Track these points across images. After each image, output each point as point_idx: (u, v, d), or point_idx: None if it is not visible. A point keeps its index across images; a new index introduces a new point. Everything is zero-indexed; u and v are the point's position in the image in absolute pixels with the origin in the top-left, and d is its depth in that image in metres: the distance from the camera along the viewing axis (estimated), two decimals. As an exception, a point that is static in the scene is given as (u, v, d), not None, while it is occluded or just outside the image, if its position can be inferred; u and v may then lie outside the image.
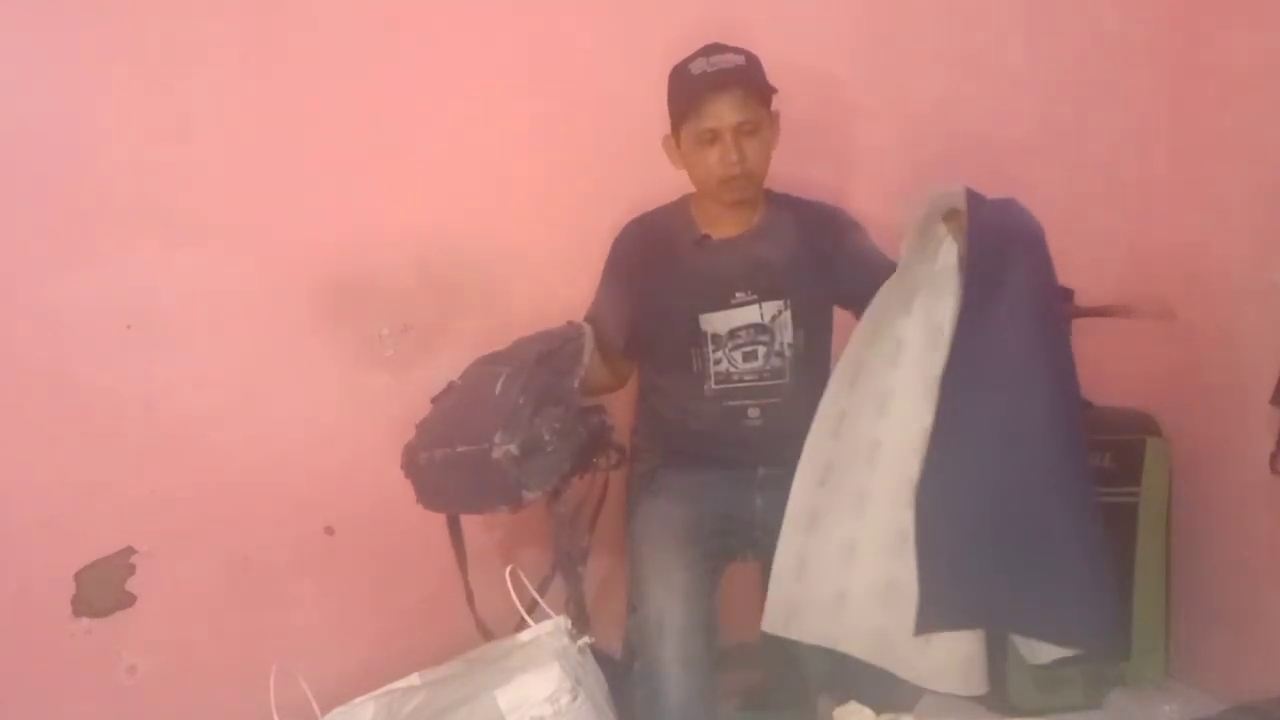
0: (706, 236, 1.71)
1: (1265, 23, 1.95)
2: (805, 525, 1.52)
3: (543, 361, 1.52)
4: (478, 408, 1.48)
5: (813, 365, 1.72)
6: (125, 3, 1.58)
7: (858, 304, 1.72)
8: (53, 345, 1.61)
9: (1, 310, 1.58)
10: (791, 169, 1.76)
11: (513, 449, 1.40)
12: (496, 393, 1.47)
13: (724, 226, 1.71)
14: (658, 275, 1.71)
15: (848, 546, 1.49)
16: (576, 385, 1.54)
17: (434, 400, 1.61)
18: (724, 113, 1.58)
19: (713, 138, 1.60)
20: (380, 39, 1.73)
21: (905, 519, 1.43)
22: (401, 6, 1.73)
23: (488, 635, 1.63)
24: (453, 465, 1.46)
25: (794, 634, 1.52)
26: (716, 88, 1.58)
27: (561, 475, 1.48)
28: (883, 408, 1.49)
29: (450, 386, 1.62)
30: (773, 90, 1.63)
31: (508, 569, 1.54)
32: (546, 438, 1.45)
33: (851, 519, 1.49)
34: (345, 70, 1.71)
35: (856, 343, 1.52)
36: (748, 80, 1.59)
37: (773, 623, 1.53)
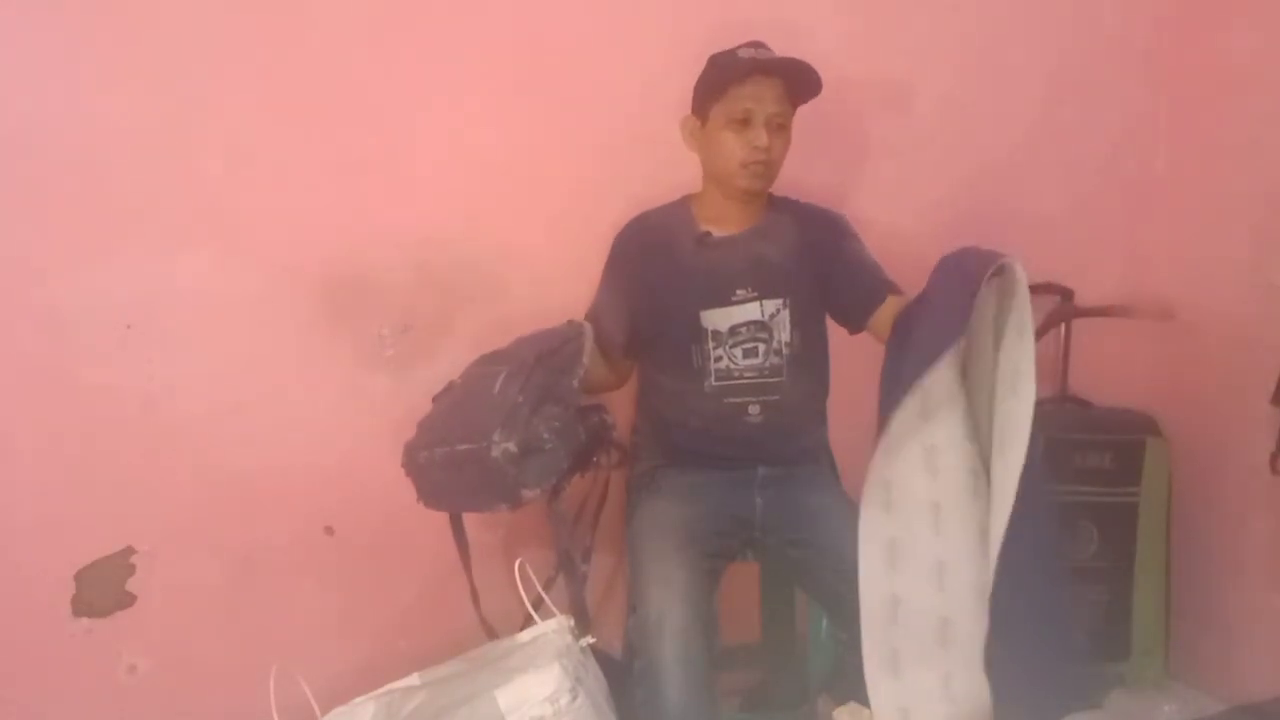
0: (708, 233, 1.71)
1: (1264, 23, 1.96)
2: (886, 617, 1.42)
3: (542, 360, 1.52)
4: (477, 406, 1.48)
5: (809, 366, 1.73)
6: (126, 3, 1.58)
7: (846, 314, 1.74)
8: (53, 345, 1.61)
9: (1, 310, 1.58)
10: (791, 168, 1.76)
11: (511, 447, 1.40)
12: (495, 391, 1.47)
13: (725, 224, 1.72)
14: (659, 272, 1.71)
15: (939, 623, 1.41)
16: (576, 384, 1.53)
17: (434, 399, 1.61)
18: (765, 96, 1.61)
19: (745, 119, 1.61)
20: (380, 39, 1.73)
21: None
22: (401, 6, 1.73)
23: (492, 635, 1.63)
24: (452, 464, 1.46)
25: None
26: (764, 72, 1.61)
27: (560, 474, 1.48)
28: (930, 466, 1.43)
29: (450, 386, 1.62)
30: (812, 94, 1.66)
31: (516, 563, 1.54)
32: (545, 436, 1.44)
33: (937, 592, 1.41)
34: (345, 70, 1.71)
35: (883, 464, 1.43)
36: (793, 76, 1.62)
37: None
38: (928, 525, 1.42)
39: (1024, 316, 1.34)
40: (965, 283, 1.35)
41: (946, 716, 1.41)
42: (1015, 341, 1.36)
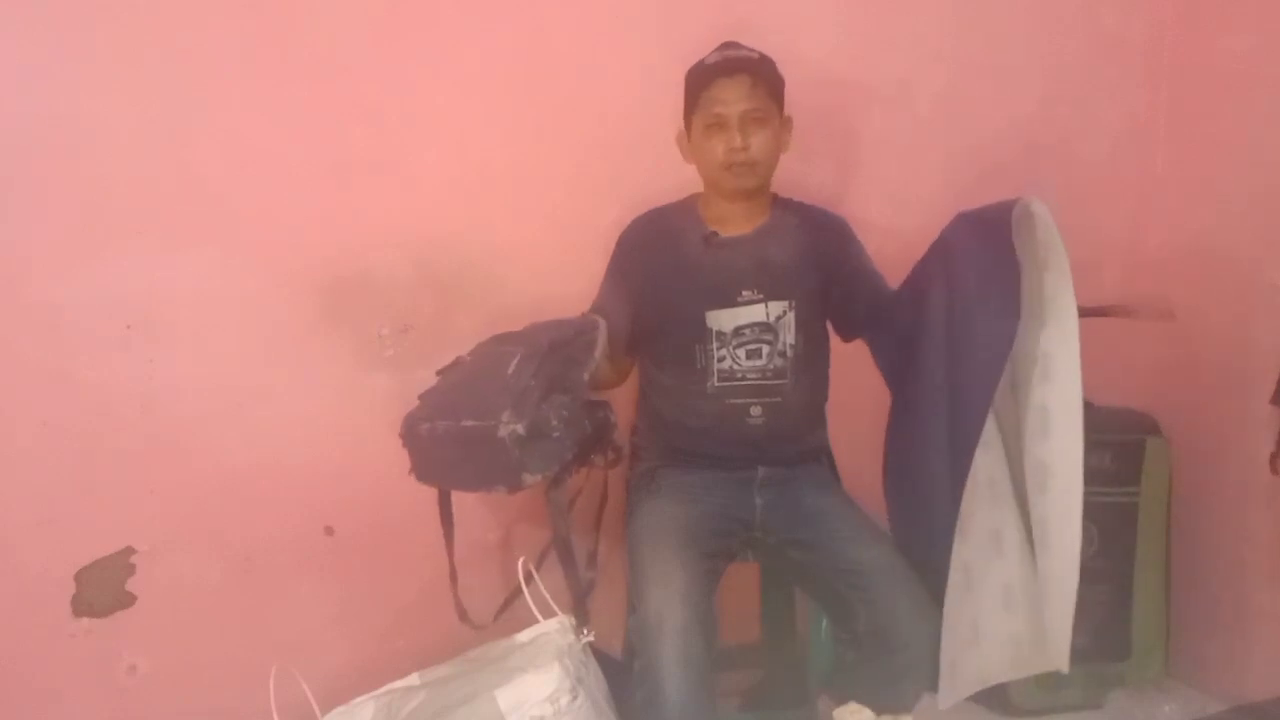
0: (715, 233, 1.71)
1: (1265, 23, 1.96)
2: (963, 583, 1.48)
3: (555, 349, 1.50)
4: (488, 384, 1.45)
5: (811, 369, 1.73)
6: (126, 3, 1.58)
7: (844, 323, 1.75)
8: (53, 345, 1.61)
9: (2, 310, 1.58)
10: (791, 168, 1.76)
11: (519, 429, 1.37)
12: (509, 373, 1.44)
13: (732, 225, 1.72)
14: (664, 271, 1.71)
15: (1002, 587, 1.48)
16: (586, 377, 1.52)
17: (440, 372, 1.58)
18: (730, 98, 1.60)
19: (720, 123, 1.61)
20: (380, 39, 1.73)
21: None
22: (401, 7, 1.73)
23: (465, 617, 1.61)
24: (455, 439, 1.43)
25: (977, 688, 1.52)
26: (725, 73, 1.61)
27: (563, 463, 1.46)
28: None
29: (458, 361, 1.58)
30: (781, 83, 1.65)
31: (520, 560, 1.53)
32: (554, 423, 1.42)
33: (997, 560, 1.49)
34: (345, 70, 1.71)
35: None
36: (756, 69, 1.61)
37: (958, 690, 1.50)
38: (987, 499, 1.49)
39: (1053, 249, 1.37)
40: (989, 237, 1.39)
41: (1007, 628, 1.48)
42: (1052, 276, 1.39)
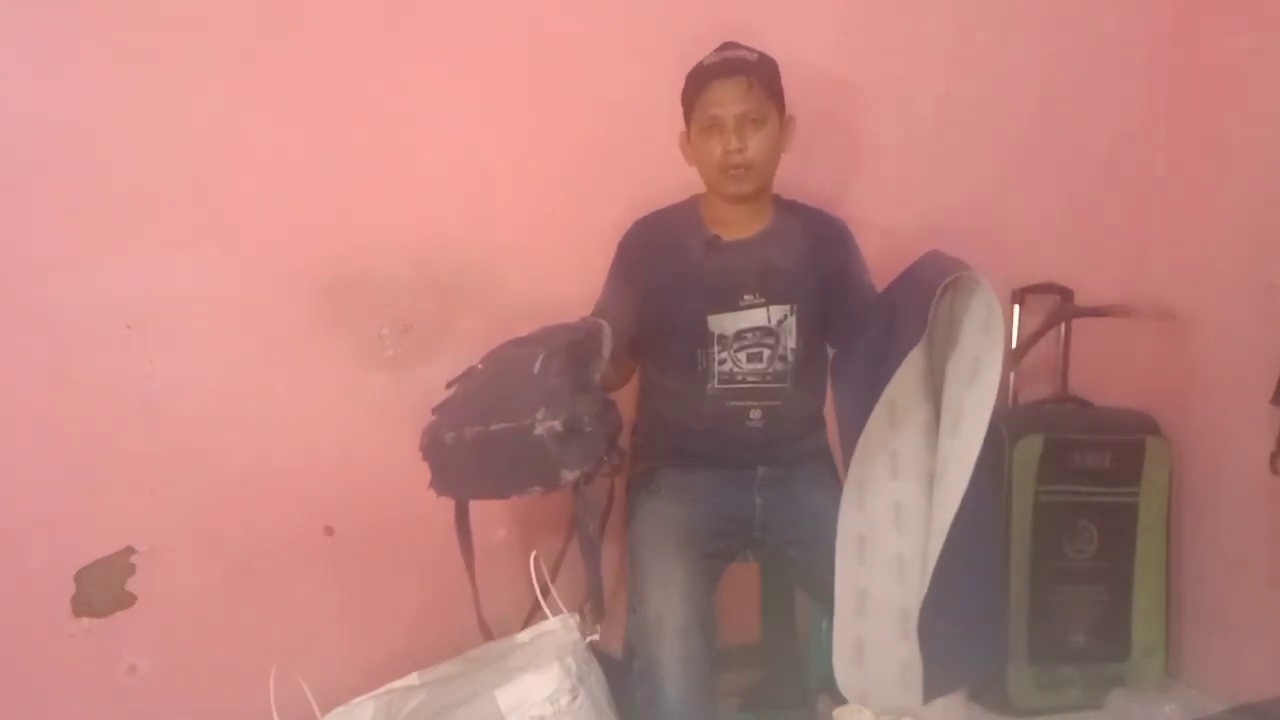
0: (717, 237, 1.70)
1: (1265, 23, 1.95)
2: (855, 607, 1.51)
3: (573, 349, 1.50)
4: (514, 386, 1.44)
5: (811, 373, 1.73)
6: (126, 3, 1.58)
7: (834, 332, 1.74)
8: (53, 345, 1.61)
9: (1, 310, 1.58)
10: (792, 169, 1.76)
11: (556, 425, 1.36)
12: (535, 372, 1.43)
13: (734, 228, 1.71)
14: (666, 274, 1.71)
15: (900, 615, 1.49)
16: (597, 378, 1.52)
17: (451, 384, 1.56)
18: (726, 100, 1.60)
19: (717, 125, 1.61)
20: (380, 39, 1.73)
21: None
22: (401, 7, 1.73)
23: (489, 637, 1.62)
24: (485, 444, 1.41)
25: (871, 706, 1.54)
26: (721, 75, 1.60)
27: (597, 459, 1.45)
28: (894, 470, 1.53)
29: (470, 370, 1.56)
30: (780, 84, 1.65)
31: (532, 554, 1.53)
32: (586, 419, 1.42)
33: (897, 585, 1.50)
34: (345, 71, 1.72)
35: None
36: (753, 71, 1.61)
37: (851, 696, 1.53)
38: (890, 523, 1.51)
39: (989, 312, 1.39)
40: (922, 293, 1.42)
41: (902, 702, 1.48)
42: (976, 335, 1.42)
